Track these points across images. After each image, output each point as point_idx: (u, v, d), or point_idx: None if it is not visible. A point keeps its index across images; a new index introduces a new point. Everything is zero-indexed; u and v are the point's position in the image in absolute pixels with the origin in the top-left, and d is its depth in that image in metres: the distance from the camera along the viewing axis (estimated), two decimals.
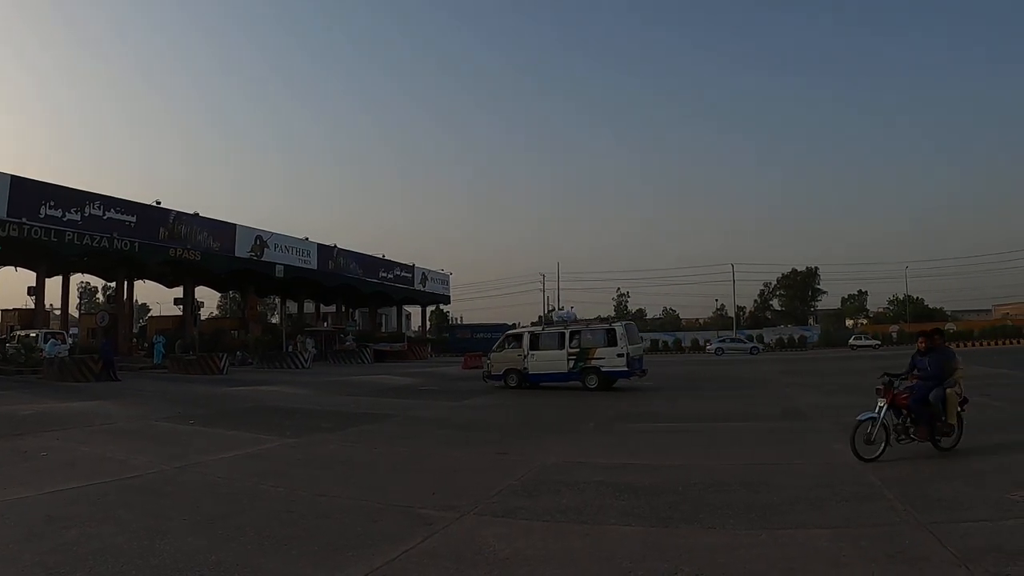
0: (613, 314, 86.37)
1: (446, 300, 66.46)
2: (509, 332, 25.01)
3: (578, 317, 24.18)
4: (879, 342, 58.59)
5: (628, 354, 20.49)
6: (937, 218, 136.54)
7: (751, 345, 55.45)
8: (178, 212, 35.10)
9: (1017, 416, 12.43)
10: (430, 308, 67.26)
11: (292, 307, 58.16)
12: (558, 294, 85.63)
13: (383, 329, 59.89)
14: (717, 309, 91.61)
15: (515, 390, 21.00)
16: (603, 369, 20.75)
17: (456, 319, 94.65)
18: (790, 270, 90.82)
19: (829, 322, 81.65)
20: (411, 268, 57.31)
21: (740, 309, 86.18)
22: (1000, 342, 53.83)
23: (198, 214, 36.29)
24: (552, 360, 21.47)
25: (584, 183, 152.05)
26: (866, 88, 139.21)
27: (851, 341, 60.35)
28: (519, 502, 6.81)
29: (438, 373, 29.78)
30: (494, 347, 23.66)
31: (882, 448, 8.56)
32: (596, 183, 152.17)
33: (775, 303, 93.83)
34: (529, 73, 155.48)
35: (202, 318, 46.38)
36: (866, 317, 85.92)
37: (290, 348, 39.43)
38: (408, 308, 68.81)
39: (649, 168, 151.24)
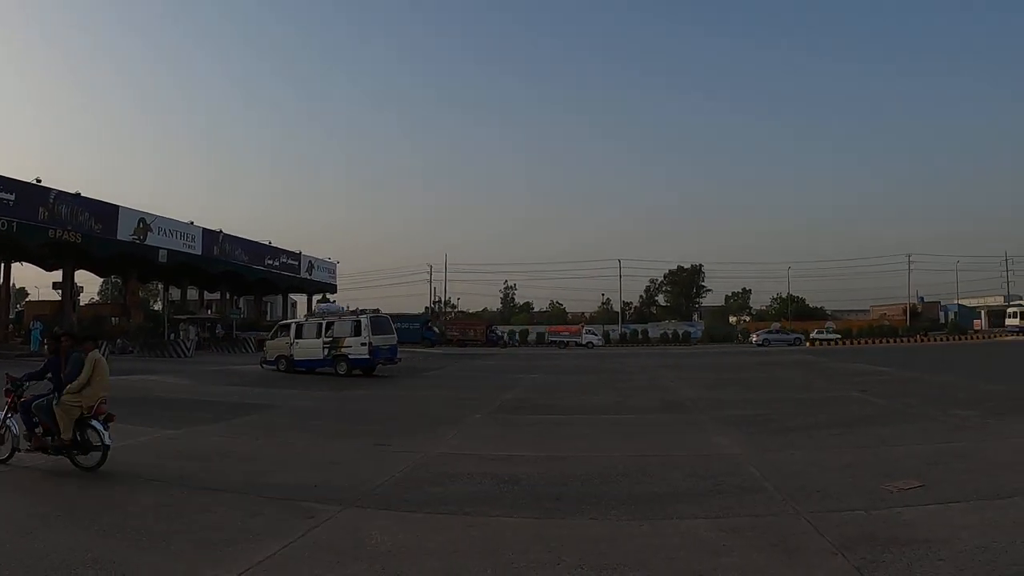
0: (500, 307, 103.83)
1: (332, 289, 71.22)
2: (281, 322, 30.83)
3: (351, 308, 29.86)
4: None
5: (371, 344, 25.11)
6: (820, 221, 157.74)
7: (794, 336, 63.37)
8: (59, 191, 36.78)
9: (890, 411, 14.41)
10: (316, 297, 71.53)
11: (175, 293, 62.10)
12: (445, 285, 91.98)
13: (268, 318, 63.69)
14: (603, 303, 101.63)
15: (402, 379, 24.51)
16: (350, 356, 25.32)
17: (343, 309, 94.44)
18: (676, 267, 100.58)
19: (713, 319, 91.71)
20: (298, 256, 62.08)
21: (626, 304, 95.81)
22: (877, 341, 63.57)
23: (79, 194, 38.20)
24: (311, 348, 26.07)
25: (473, 175, 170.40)
26: (752, 92, 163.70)
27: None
28: (402, 494, 7.44)
29: None
30: (270, 336, 29.08)
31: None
32: (485, 176, 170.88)
33: (661, 299, 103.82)
34: (413, 64, 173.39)
35: (82, 303, 49.46)
36: (749, 314, 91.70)
37: (172, 336, 42.33)
38: (294, 297, 74.28)
39: (538, 162, 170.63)
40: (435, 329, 71.00)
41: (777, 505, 6.92)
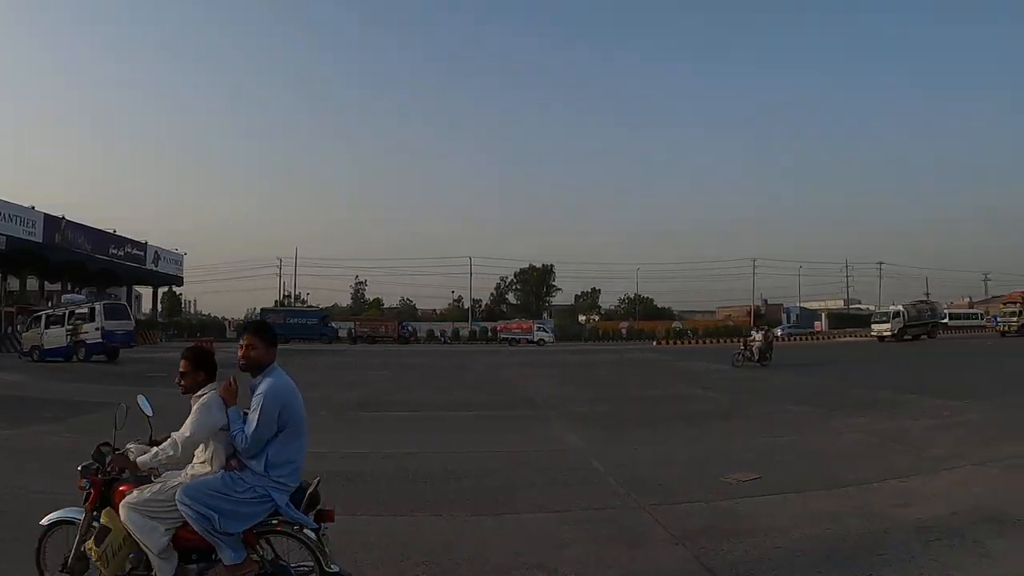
0: (350, 303, 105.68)
1: (179, 281, 70.54)
2: (35, 314, 33.09)
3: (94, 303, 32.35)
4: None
5: (104, 328, 29.49)
6: (667, 223, 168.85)
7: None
8: None
9: (731, 407, 15.54)
10: (162, 289, 72.58)
11: (13, 283, 58.99)
12: (295, 279, 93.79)
13: None
14: (454, 300, 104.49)
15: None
16: (88, 342, 29.43)
17: (189, 302, 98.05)
18: (528, 265, 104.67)
19: (563, 317, 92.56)
20: (143, 246, 60.07)
21: (476, 302, 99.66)
22: (722, 340, 66.92)
23: None
24: (57, 337, 29.45)
25: (322, 169, 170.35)
26: (605, 95, 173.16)
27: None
28: None
29: (167, 359, 30.89)
30: (24, 328, 32.06)
31: None
32: (334, 171, 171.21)
33: (511, 297, 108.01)
34: (257, 56, 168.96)
35: None
36: (598, 314, 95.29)
37: (9, 330, 42.76)
38: (139, 289, 72.57)
39: (386, 157, 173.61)
40: (333, 325, 70.75)
41: (620, 498, 7.29)
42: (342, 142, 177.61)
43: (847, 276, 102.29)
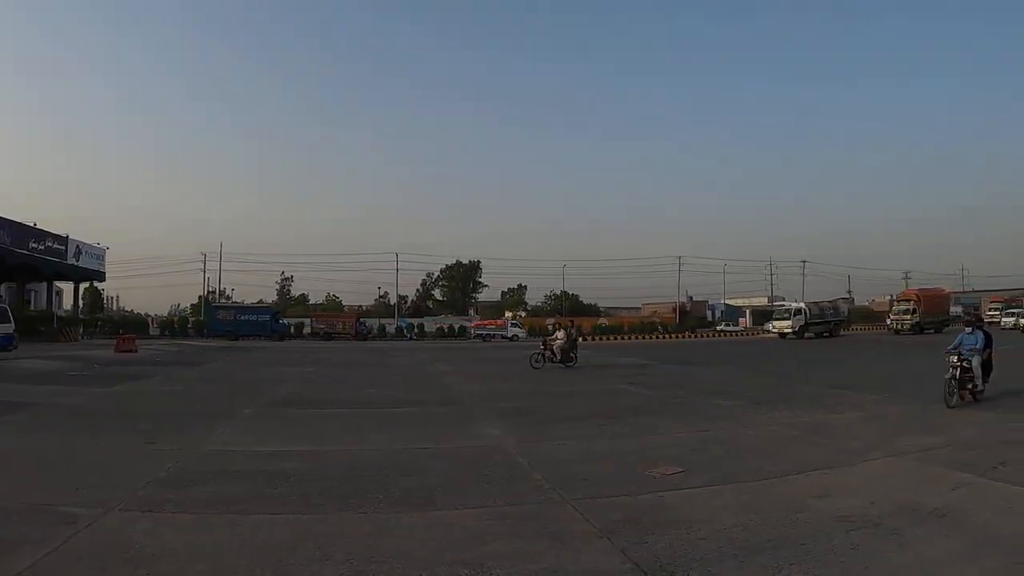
0: (276, 299, 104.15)
1: (101, 277, 67.60)
2: None
3: None
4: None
5: None
6: (594, 220, 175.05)
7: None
8: None
9: (657, 401, 15.83)
10: (84, 285, 70.44)
11: None
12: (220, 276, 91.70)
13: (32, 307, 60.57)
14: (380, 296, 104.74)
15: (171, 376, 23.46)
16: None
17: (111, 298, 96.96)
18: (454, 262, 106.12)
19: (488, 313, 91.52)
20: (64, 240, 57.63)
21: (402, 298, 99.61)
22: (647, 336, 69.39)
23: None
24: None
25: (248, 165, 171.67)
26: (527, 96, 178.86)
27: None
28: (168, 494, 7.34)
29: (89, 357, 31.43)
30: None
31: None
32: (262, 166, 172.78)
33: (437, 293, 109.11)
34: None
35: None
36: (524, 310, 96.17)
37: None
38: (60, 284, 69.81)
39: (312, 154, 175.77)
40: (284, 322, 70.12)
41: (544, 493, 7.32)
42: (265, 137, 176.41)
43: (771, 274, 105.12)
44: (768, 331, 65.57)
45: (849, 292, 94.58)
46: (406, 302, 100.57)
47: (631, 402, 15.48)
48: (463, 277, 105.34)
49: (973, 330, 14.46)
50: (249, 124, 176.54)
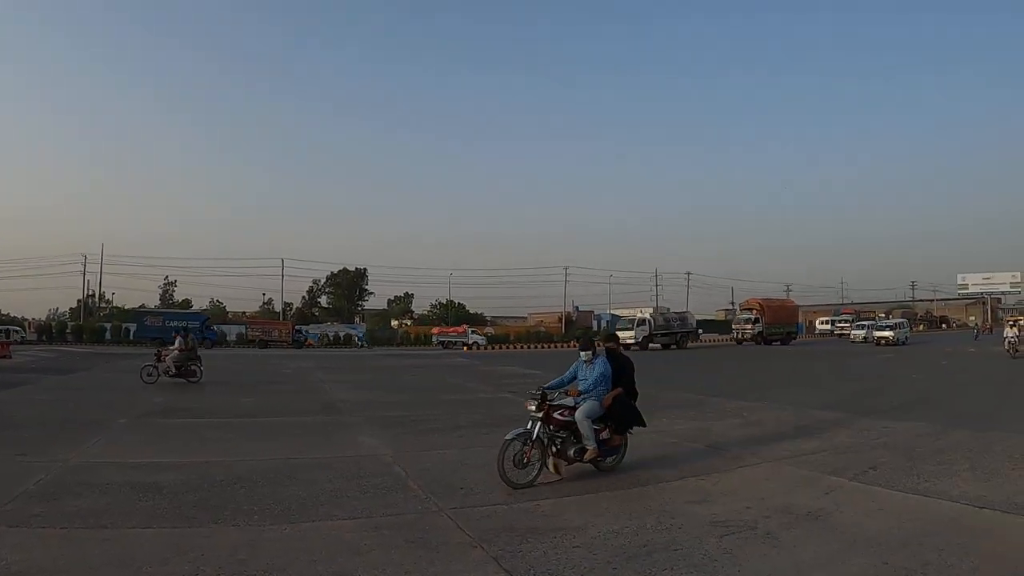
0: (159, 303, 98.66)
1: None
2: None
3: None
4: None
5: None
6: (482, 230, 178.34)
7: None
8: None
9: None
10: None
11: None
12: (100, 278, 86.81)
13: None
14: (265, 303, 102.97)
15: (46, 384, 22.53)
16: None
17: None
18: (340, 269, 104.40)
19: (375, 322, 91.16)
20: None
21: (288, 305, 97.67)
22: (533, 346, 68.85)
23: None
24: None
25: (130, 164, 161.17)
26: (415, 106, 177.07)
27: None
28: (36, 508, 7.13)
29: None
30: None
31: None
32: (145, 165, 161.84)
33: (323, 300, 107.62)
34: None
35: None
36: (410, 318, 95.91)
37: None
38: None
39: (192, 153, 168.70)
40: (215, 328, 67.57)
41: (421, 503, 7.25)
42: (151, 140, 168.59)
43: (656, 285, 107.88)
44: None
45: (732, 303, 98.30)
46: (291, 309, 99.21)
47: (514, 411, 15.16)
48: (349, 285, 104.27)
49: (593, 357, 9.08)
50: (131, 125, 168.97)
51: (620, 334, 56.55)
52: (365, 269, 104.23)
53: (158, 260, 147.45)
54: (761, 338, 61.13)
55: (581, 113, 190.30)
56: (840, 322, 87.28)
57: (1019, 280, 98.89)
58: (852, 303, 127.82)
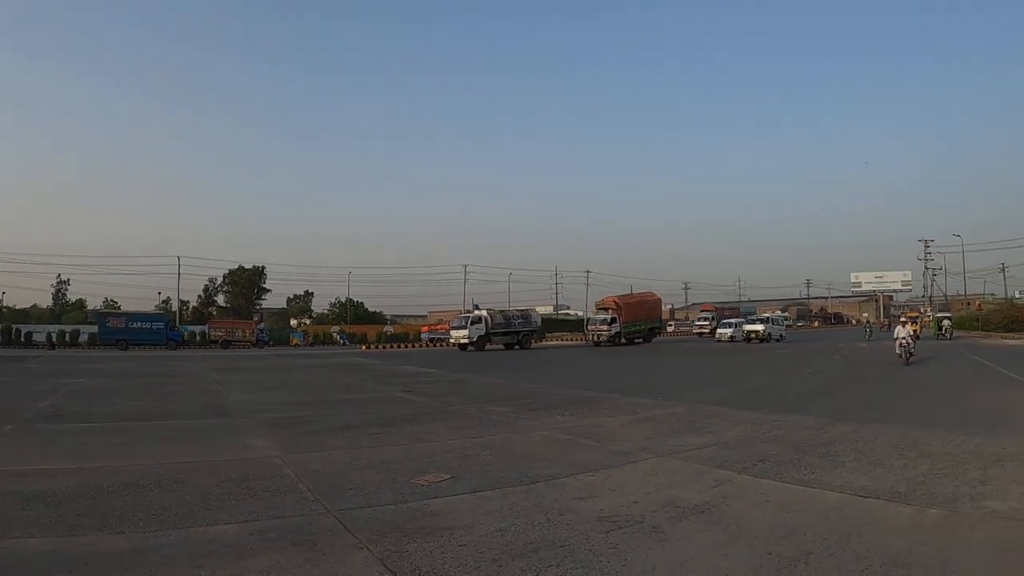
0: (51, 303, 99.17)
1: None
2: None
3: None
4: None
5: None
6: (384, 229, 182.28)
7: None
8: None
9: (431, 409, 15.87)
10: None
11: None
12: None
13: None
14: (161, 302, 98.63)
15: None
16: None
17: None
18: (237, 267, 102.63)
19: (273, 321, 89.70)
20: None
21: (184, 303, 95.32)
22: (438, 344, 68.99)
23: None
24: None
25: (17, 161, 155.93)
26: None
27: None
28: None
29: None
30: None
31: None
32: (35, 161, 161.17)
33: (221, 299, 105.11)
34: None
35: None
36: (309, 317, 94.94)
37: None
38: None
39: (86, 151, 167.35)
40: (178, 329, 66.30)
41: (308, 505, 7.13)
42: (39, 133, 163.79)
43: (556, 283, 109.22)
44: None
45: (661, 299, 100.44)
46: (188, 308, 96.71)
47: (407, 410, 15.47)
48: (247, 283, 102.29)
49: None
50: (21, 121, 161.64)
51: (454, 333, 55.22)
52: (263, 267, 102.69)
53: (49, 258, 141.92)
54: (619, 338, 58.96)
55: (479, 114, 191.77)
56: (700, 320, 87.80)
57: (909, 279, 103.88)
58: (750, 300, 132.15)
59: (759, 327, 55.95)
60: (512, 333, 56.54)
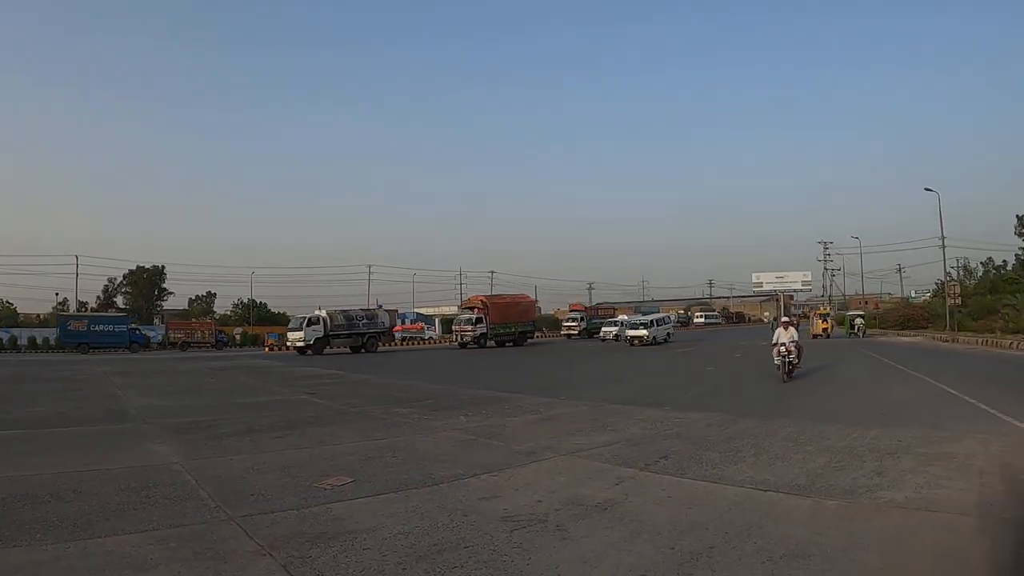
0: None
1: None
2: None
3: None
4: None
5: None
6: (288, 228, 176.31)
7: None
8: None
9: (335, 411, 15.81)
10: None
11: None
12: None
13: None
14: (59, 303, 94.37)
15: None
16: None
17: None
18: (136, 267, 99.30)
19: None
20: None
21: (82, 304, 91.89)
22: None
23: None
24: None
25: None
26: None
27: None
28: None
29: None
30: None
31: None
32: None
33: (120, 300, 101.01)
34: None
35: None
36: (212, 318, 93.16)
37: None
38: None
39: None
40: (139, 331, 63.99)
41: (210, 512, 6.99)
42: None
43: (460, 284, 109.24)
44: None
45: (536, 301, 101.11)
46: (86, 309, 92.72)
47: (310, 412, 15.31)
48: (147, 283, 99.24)
49: None
50: None
51: (290, 335, 51.32)
52: (163, 266, 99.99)
53: None
54: (485, 340, 56.40)
55: (378, 114, 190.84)
56: (567, 321, 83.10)
57: (809, 279, 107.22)
58: (654, 300, 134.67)
59: (643, 332, 53.42)
60: (356, 335, 52.70)
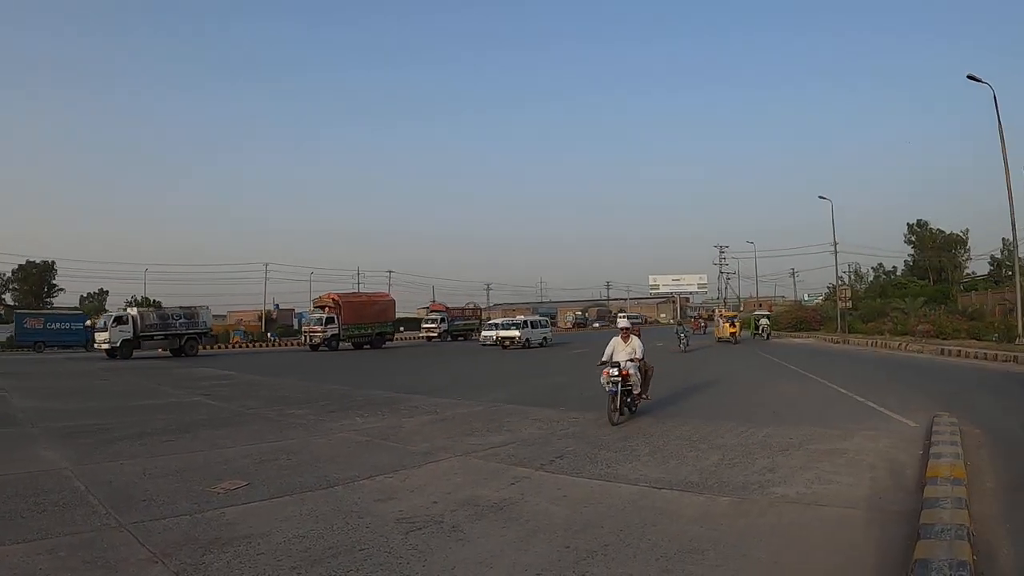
0: None
1: None
2: None
3: None
4: None
5: None
6: (176, 225, 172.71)
7: None
8: None
9: (229, 413, 15.54)
10: None
11: None
12: None
13: None
14: None
15: None
16: None
17: None
18: (25, 262, 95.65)
19: None
20: None
21: None
22: (245, 345, 69.51)
23: None
24: None
25: None
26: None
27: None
28: None
29: None
30: None
31: None
32: None
33: (8, 297, 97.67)
34: None
35: None
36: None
37: None
38: None
39: None
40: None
41: (100, 519, 6.83)
42: None
43: (358, 283, 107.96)
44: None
45: (433, 300, 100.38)
46: None
47: (203, 414, 14.98)
48: (37, 279, 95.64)
49: None
50: None
51: (97, 336, 45.44)
52: (53, 262, 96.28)
53: None
54: (336, 341, 53.17)
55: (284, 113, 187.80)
56: (427, 323, 77.13)
57: (705, 282, 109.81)
58: (552, 301, 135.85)
59: (515, 333, 50.45)
60: (172, 336, 46.89)
